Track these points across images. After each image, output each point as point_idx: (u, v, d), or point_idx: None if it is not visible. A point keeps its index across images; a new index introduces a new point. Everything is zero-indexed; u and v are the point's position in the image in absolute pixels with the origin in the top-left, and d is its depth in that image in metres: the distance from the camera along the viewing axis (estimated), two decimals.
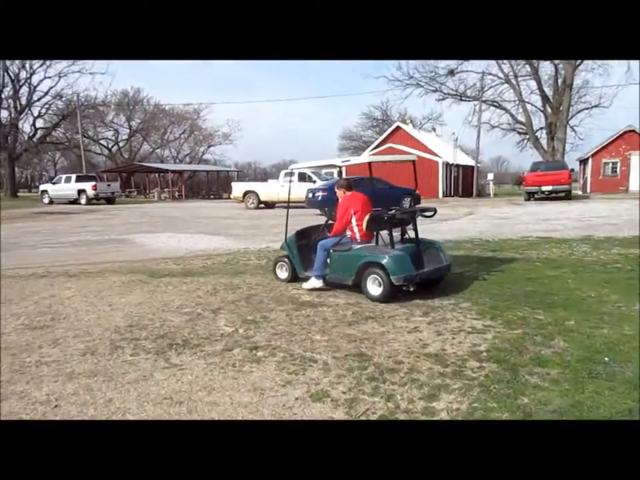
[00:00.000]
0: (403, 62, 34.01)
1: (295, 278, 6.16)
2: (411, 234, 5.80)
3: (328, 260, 5.68)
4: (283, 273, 6.35)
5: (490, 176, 34.90)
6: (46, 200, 28.61)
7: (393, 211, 5.57)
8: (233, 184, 24.65)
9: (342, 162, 6.29)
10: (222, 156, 60.17)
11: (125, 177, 44.70)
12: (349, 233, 5.71)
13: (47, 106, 38.59)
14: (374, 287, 5.21)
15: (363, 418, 2.83)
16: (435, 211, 6.04)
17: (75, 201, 27.48)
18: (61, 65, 36.14)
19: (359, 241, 5.59)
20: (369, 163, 5.69)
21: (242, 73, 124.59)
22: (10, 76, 35.74)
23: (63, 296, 5.81)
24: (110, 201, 28.07)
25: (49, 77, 37.81)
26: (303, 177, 20.52)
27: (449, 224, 13.35)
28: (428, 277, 5.38)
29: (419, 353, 3.72)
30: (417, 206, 5.81)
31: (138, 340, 4.18)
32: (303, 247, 6.10)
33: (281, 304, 5.25)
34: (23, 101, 37.13)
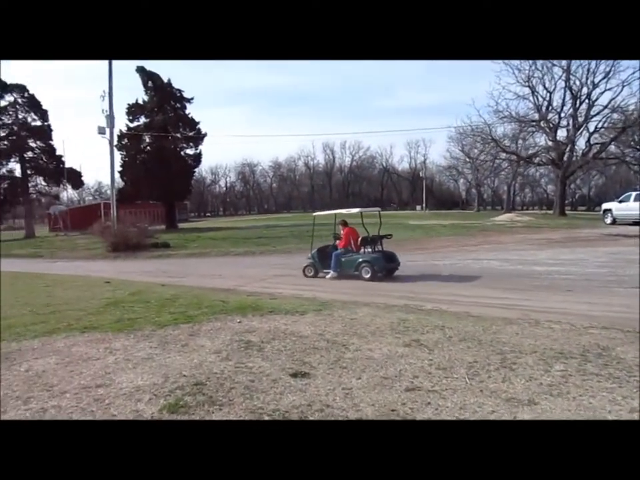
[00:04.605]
0: None
1: (315, 275, 11.75)
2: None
3: (339, 262, 11.31)
4: (309, 273, 11.90)
5: None
6: (608, 220, 26.21)
7: (371, 235, 11.45)
8: None
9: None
10: None
11: None
12: (349, 248, 11.39)
13: (603, 120, 36.38)
14: (366, 274, 10.79)
15: None
16: (391, 235, 12.13)
17: None
18: (626, 73, 33.10)
19: (355, 251, 11.41)
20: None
21: None
22: (572, 94, 35.52)
23: None
24: None
25: (610, 89, 35.31)
26: None
27: None
28: (390, 269, 11.18)
29: None
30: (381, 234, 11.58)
31: None
32: (322, 255, 11.76)
33: None
34: (580, 118, 36.29)
